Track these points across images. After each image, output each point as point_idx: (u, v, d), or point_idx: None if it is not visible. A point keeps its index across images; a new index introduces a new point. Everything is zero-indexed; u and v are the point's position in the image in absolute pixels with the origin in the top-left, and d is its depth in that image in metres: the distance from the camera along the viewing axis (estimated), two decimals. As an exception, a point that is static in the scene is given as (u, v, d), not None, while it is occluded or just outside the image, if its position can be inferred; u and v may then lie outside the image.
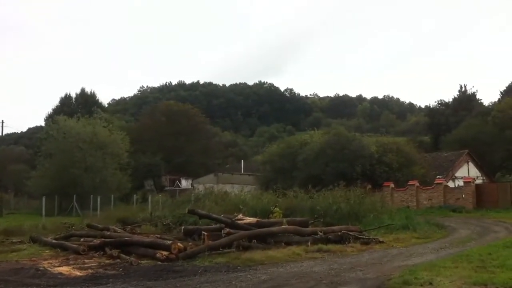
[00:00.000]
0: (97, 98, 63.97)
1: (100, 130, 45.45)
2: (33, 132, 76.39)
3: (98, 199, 33.20)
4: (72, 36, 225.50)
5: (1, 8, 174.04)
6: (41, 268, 11.58)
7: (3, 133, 59.59)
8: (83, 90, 64.38)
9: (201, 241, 13.99)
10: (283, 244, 14.94)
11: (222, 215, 17.33)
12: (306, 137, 44.77)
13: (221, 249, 13.41)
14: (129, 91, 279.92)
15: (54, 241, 16.55)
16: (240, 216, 17.88)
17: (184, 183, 55.25)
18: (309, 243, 15.02)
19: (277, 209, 20.86)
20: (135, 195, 36.72)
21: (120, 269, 11.30)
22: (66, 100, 63.45)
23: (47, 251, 15.17)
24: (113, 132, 46.64)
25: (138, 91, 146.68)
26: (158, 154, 57.71)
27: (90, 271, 11.10)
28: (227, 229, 14.86)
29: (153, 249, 12.98)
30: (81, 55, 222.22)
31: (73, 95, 64.65)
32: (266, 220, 18.29)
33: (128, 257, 12.44)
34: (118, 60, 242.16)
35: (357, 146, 38.87)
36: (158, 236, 15.94)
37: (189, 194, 35.67)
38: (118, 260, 12.46)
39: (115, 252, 13.12)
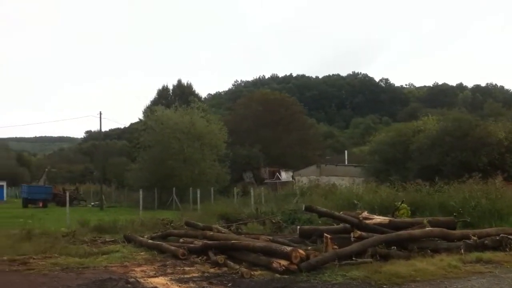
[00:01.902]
0: (193, 89, 63.00)
1: (197, 120, 43.96)
2: (133, 126, 78.30)
3: (198, 192, 31.17)
4: (170, 32, 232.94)
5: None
6: (132, 279, 9.29)
7: (108, 128, 60.54)
8: (179, 81, 63.88)
9: (323, 246, 10.98)
10: (428, 251, 11.39)
11: (341, 213, 13.99)
12: (418, 123, 40.32)
13: (353, 258, 10.29)
14: (224, 86, 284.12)
15: (150, 241, 14.30)
16: (366, 214, 14.40)
17: (284, 175, 52.58)
18: (462, 250, 11.40)
19: (404, 205, 17.17)
20: (235, 188, 34.47)
21: (230, 284, 8.74)
22: (163, 92, 63.23)
23: (142, 253, 13.00)
24: (211, 122, 44.89)
25: (233, 85, 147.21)
26: (256, 145, 55.51)
27: (192, 285, 8.68)
28: (358, 232, 11.59)
29: (267, 256, 10.18)
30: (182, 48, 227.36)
31: (170, 87, 64.17)
32: (400, 220, 14.74)
33: (237, 266, 9.91)
34: (213, 53, 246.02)
35: (482, 132, 33.97)
36: (270, 238, 12.93)
37: (291, 187, 32.94)
38: (225, 269, 9.99)
39: (220, 259, 10.59)
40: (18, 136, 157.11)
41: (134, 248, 13.75)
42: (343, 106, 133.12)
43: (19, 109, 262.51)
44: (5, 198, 66.76)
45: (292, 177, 47.70)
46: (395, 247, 11.36)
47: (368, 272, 9.32)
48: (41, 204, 45.90)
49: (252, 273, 9.40)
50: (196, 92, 63.50)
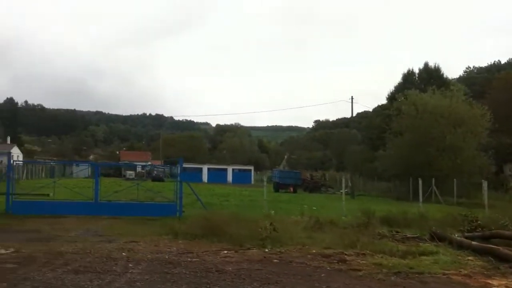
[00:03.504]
0: (441, 73, 57.94)
1: (458, 104, 39.58)
2: (361, 116, 76.84)
3: (462, 184, 27.41)
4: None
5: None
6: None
7: (335, 118, 59.57)
8: (426, 64, 59.39)
9: None
10: None
11: None
12: None
13: None
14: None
15: (474, 243, 11.59)
16: None
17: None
18: None
19: None
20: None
21: None
22: (408, 77, 59.56)
23: (469, 257, 10.59)
24: (473, 106, 40.07)
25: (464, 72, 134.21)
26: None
27: None
28: None
29: None
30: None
31: (416, 71, 60.14)
32: None
33: None
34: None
35: None
36: None
37: None
38: None
39: None
40: (252, 125, 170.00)
41: (453, 250, 11.42)
42: None
43: (251, 98, 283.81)
44: (252, 182, 71.37)
45: None
46: None
47: None
48: (291, 189, 47.00)
49: None
50: (445, 76, 58.27)
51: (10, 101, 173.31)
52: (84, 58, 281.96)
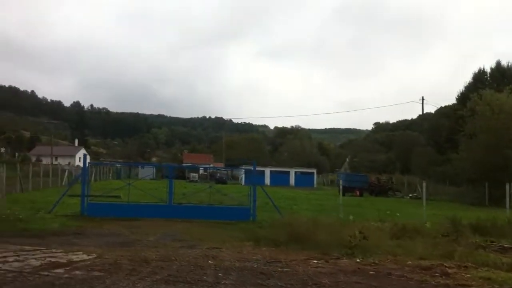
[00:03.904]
0: (515, 71, 54.78)
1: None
2: (423, 118, 73.79)
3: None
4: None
5: None
6: None
7: (395, 120, 57.40)
8: (498, 63, 56.41)
9: None
10: None
11: None
12: None
13: None
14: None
15: None
16: None
17: None
18: None
19: None
20: None
21: None
22: (480, 76, 56.74)
23: None
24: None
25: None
26: None
27: None
28: None
29: None
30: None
31: (488, 70, 57.21)
32: None
33: None
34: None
35: None
36: None
37: None
38: None
39: None
40: (309, 127, 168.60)
41: None
42: None
43: (309, 100, 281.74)
44: (315, 185, 70.29)
45: None
46: None
47: None
48: (357, 193, 45.74)
49: None
50: (519, 74, 54.96)
51: (77, 105, 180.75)
52: (148, 63, 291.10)
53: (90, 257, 9.42)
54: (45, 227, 13.35)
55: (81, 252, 9.86)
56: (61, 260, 8.77)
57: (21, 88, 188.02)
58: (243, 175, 65.24)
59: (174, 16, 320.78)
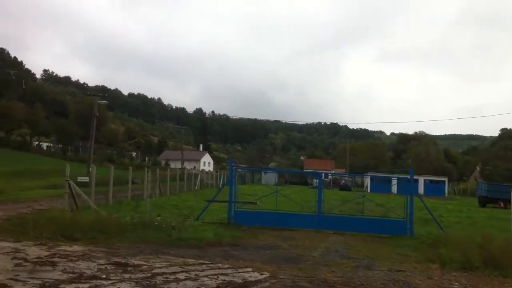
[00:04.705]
0: None
1: None
2: None
3: None
4: None
5: None
6: None
7: None
8: None
9: None
10: None
11: None
12: None
13: None
14: None
15: None
16: None
17: None
18: None
19: None
20: None
21: None
22: None
23: None
24: None
25: None
26: None
27: None
28: None
29: None
30: None
31: None
32: None
33: None
34: None
35: None
36: None
37: None
38: None
39: None
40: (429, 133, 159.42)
41: None
42: None
43: (428, 106, 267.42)
44: (446, 194, 65.45)
45: None
46: None
47: None
48: (502, 204, 41.44)
49: None
50: None
51: (199, 111, 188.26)
52: (266, 70, 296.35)
53: (263, 276, 8.35)
54: (200, 237, 12.66)
55: (250, 269, 8.85)
56: (236, 280, 7.78)
57: (149, 96, 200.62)
58: (369, 182, 62.66)
59: (291, 23, 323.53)
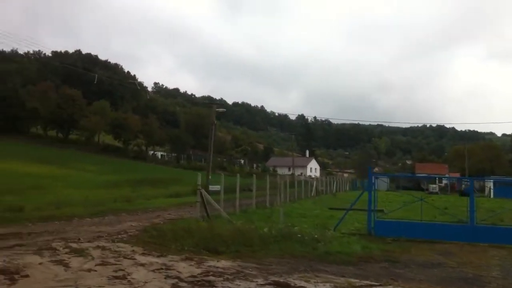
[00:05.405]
0: None
1: None
2: None
3: None
4: None
5: None
6: None
7: None
8: None
9: None
10: None
11: None
12: None
13: None
14: None
15: None
16: None
17: None
18: None
19: None
20: None
21: None
22: None
23: None
24: None
25: None
26: None
27: None
28: None
29: None
30: None
31: None
32: None
33: None
34: None
35: None
36: None
37: None
38: None
39: None
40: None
41: None
42: None
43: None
44: None
45: None
46: None
47: None
48: None
49: None
50: None
51: (301, 118, 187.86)
52: (368, 74, 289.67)
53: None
54: (348, 251, 11.50)
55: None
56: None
57: (252, 104, 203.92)
58: (491, 187, 57.82)
59: (396, 24, 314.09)
